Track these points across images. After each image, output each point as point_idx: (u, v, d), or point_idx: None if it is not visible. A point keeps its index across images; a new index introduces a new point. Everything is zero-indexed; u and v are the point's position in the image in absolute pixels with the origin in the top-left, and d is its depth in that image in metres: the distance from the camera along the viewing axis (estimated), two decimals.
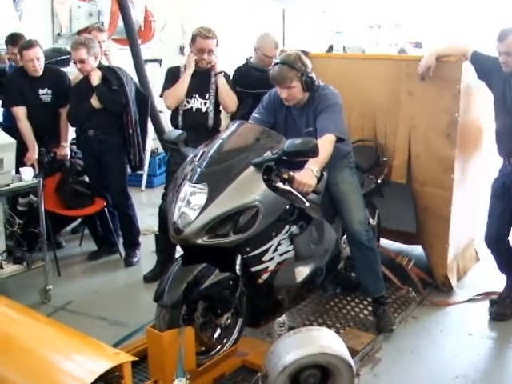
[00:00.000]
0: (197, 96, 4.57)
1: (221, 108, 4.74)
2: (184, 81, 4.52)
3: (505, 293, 4.23)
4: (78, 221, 5.82)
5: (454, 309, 4.36)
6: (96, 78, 4.89)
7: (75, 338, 2.54)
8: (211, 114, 4.60)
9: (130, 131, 5.03)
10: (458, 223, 4.43)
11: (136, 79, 5.70)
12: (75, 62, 4.89)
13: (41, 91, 5.13)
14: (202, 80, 4.57)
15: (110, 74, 4.97)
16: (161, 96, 4.73)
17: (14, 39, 5.49)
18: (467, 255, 4.94)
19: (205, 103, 4.58)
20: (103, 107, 4.92)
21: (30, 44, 5.00)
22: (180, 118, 4.58)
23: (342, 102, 3.73)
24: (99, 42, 5.43)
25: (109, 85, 4.92)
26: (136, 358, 2.51)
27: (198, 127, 4.49)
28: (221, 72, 4.61)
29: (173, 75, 4.62)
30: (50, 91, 5.15)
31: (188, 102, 4.57)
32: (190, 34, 4.66)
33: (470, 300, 4.42)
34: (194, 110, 4.58)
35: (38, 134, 5.11)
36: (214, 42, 4.56)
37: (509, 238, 4.19)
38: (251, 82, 4.72)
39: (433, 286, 4.60)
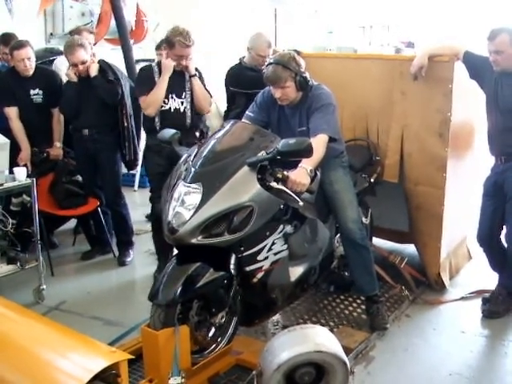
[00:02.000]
0: (174, 96, 4.49)
1: None
2: (162, 86, 4.43)
3: (497, 291, 4.26)
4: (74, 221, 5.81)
5: (446, 307, 4.39)
6: (94, 70, 4.89)
7: (71, 336, 2.54)
8: (189, 113, 4.53)
9: (125, 124, 5.02)
10: (450, 222, 4.45)
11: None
12: (76, 65, 4.84)
13: (32, 91, 5.11)
14: (177, 79, 4.49)
15: (107, 67, 4.99)
16: (135, 97, 4.68)
17: (5, 39, 5.48)
18: (460, 254, 4.96)
19: (182, 103, 4.51)
20: (99, 104, 4.92)
21: (21, 44, 4.99)
22: (157, 119, 4.49)
23: (335, 102, 3.74)
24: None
25: (106, 76, 4.93)
26: (132, 356, 2.51)
27: (176, 127, 4.39)
28: (195, 74, 4.55)
29: (146, 76, 4.54)
30: (41, 91, 5.13)
31: (165, 103, 4.48)
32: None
33: (462, 298, 4.45)
34: (171, 110, 4.50)
35: (30, 134, 5.11)
36: (193, 48, 4.48)
37: (500, 236, 4.22)
38: (245, 81, 4.73)
39: (426, 284, 4.62)
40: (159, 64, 4.55)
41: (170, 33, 4.42)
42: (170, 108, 4.50)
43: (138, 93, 4.57)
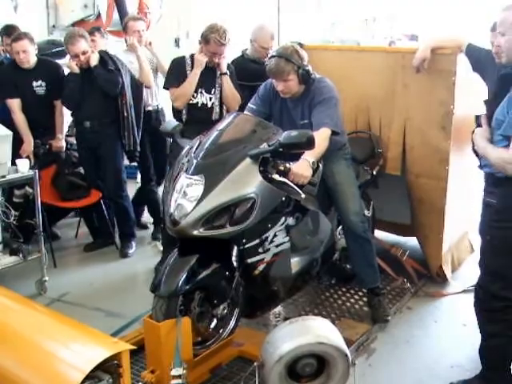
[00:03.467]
0: (203, 91, 4.50)
1: None
2: (193, 81, 4.44)
3: None
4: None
5: (448, 300, 4.40)
6: (95, 59, 4.89)
7: (73, 327, 2.55)
8: (217, 109, 4.54)
9: (125, 114, 5.02)
10: (452, 215, 4.45)
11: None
12: (77, 56, 4.83)
13: (35, 83, 5.11)
14: (208, 75, 4.49)
15: (107, 58, 4.99)
16: (165, 87, 4.63)
17: (8, 30, 5.49)
18: (462, 246, 4.97)
19: (210, 98, 4.52)
20: (100, 96, 4.92)
21: (18, 36, 4.99)
22: (184, 112, 4.50)
23: (337, 95, 3.73)
24: (138, 32, 5.34)
25: (106, 66, 4.93)
26: (134, 347, 2.52)
27: (202, 121, 4.36)
28: (226, 73, 4.54)
29: (179, 67, 4.53)
30: (43, 83, 5.13)
31: (193, 97, 4.48)
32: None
33: (464, 291, 4.44)
34: (199, 105, 4.51)
35: (32, 126, 5.11)
36: (228, 46, 4.50)
37: None
38: (248, 74, 4.71)
39: (427, 277, 4.63)
40: (192, 56, 4.53)
41: (207, 29, 4.42)
42: (197, 102, 4.51)
43: (168, 84, 4.56)
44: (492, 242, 3.02)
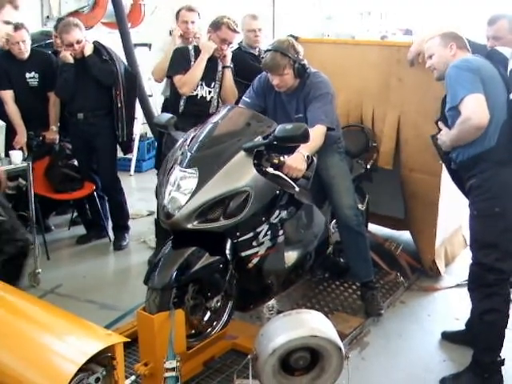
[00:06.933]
0: (203, 84, 4.47)
1: None
2: (200, 67, 4.40)
3: None
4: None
5: (441, 294, 4.42)
6: (89, 49, 4.88)
7: (67, 319, 2.53)
8: (215, 103, 4.52)
9: (119, 105, 5.00)
10: (446, 209, 4.46)
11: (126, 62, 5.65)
12: (71, 45, 4.81)
13: (28, 75, 5.09)
14: (209, 68, 4.46)
15: (101, 48, 4.97)
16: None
17: None
18: (455, 241, 4.98)
19: (209, 92, 4.49)
20: (94, 87, 4.90)
21: (16, 27, 4.94)
22: (182, 103, 4.47)
23: (333, 91, 3.73)
24: (192, 23, 5.04)
25: (100, 56, 4.91)
26: (128, 339, 2.51)
27: (199, 114, 4.33)
28: (229, 66, 4.53)
29: (183, 56, 4.48)
30: (37, 75, 5.11)
31: (194, 89, 4.47)
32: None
33: (457, 285, 4.47)
34: (198, 97, 4.48)
35: (26, 118, 5.08)
36: (237, 37, 4.52)
37: None
38: (247, 72, 4.62)
39: (421, 271, 4.65)
40: (195, 48, 4.50)
41: (217, 17, 4.42)
42: (197, 95, 4.48)
43: (173, 72, 4.48)
44: (479, 214, 3.17)
